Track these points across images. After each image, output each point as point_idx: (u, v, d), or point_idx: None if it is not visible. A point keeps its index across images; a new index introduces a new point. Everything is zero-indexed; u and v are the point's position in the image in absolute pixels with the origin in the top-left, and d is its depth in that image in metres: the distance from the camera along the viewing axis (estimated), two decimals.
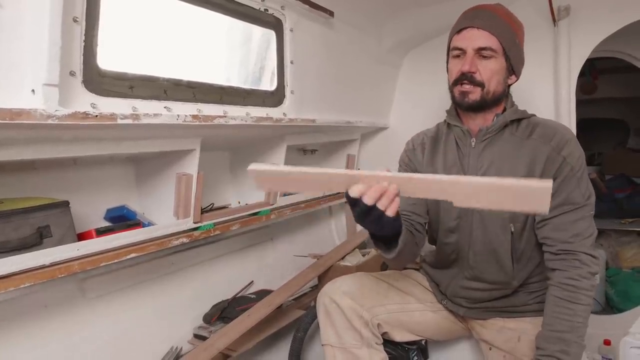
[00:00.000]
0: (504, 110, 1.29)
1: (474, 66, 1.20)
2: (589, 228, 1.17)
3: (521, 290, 1.30)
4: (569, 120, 1.93)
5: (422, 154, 1.39)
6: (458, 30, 1.24)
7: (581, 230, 1.16)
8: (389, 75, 2.44)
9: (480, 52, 1.20)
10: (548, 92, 1.99)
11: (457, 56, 1.24)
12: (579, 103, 1.98)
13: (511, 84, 1.30)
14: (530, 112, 1.31)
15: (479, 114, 1.27)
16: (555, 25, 1.93)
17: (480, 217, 1.26)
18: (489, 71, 1.21)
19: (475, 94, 1.21)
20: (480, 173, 1.25)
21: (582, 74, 2.01)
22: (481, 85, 1.21)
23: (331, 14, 1.78)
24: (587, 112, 3.58)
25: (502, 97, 1.27)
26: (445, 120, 1.37)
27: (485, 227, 1.26)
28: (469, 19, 1.23)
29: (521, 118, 1.28)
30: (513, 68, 1.26)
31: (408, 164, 1.42)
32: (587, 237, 1.16)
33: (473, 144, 1.28)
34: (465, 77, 1.21)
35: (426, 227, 1.39)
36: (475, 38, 1.20)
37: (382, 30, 2.19)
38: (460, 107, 1.28)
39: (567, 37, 1.91)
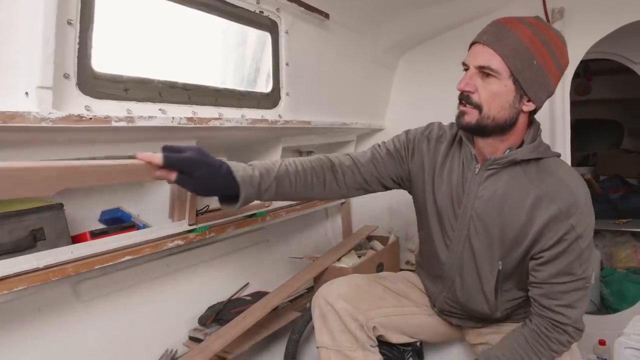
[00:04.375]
0: (522, 143, 1.15)
1: (470, 85, 1.08)
2: (582, 300, 1.11)
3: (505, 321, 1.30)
4: (564, 122, 1.94)
5: (428, 150, 1.30)
6: (470, 44, 1.14)
7: (573, 301, 1.10)
8: (385, 76, 2.45)
9: (481, 70, 1.08)
10: None
11: (465, 71, 1.13)
12: (574, 104, 1.99)
13: (529, 112, 1.12)
14: None
15: (486, 140, 1.15)
16: None
17: (471, 252, 1.22)
18: (488, 93, 1.07)
19: (470, 116, 1.10)
20: (478, 203, 1.17)
21: (577, 75, 2.03)
22: (478, 107, 1.08)
23: (326, 15, 1.78)
24: (581, 113, 3.60)
25: (510, 126, 1.11)
26: None
27: (474, 260, 1.22)
28: (480, 34, 1.12)
29: (539, 158, 1.14)
30: (527, 93, 1.08)
31: (406, 140, 1.33)
32: (578, 309, 1.10)
33: (477, 170, 1.19)
34: (462, 97, 1.11)
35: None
36: (478, 55, 1.08)
37: (378, 31, 2.20)
38: (458, 128, 1.19)
39: None
